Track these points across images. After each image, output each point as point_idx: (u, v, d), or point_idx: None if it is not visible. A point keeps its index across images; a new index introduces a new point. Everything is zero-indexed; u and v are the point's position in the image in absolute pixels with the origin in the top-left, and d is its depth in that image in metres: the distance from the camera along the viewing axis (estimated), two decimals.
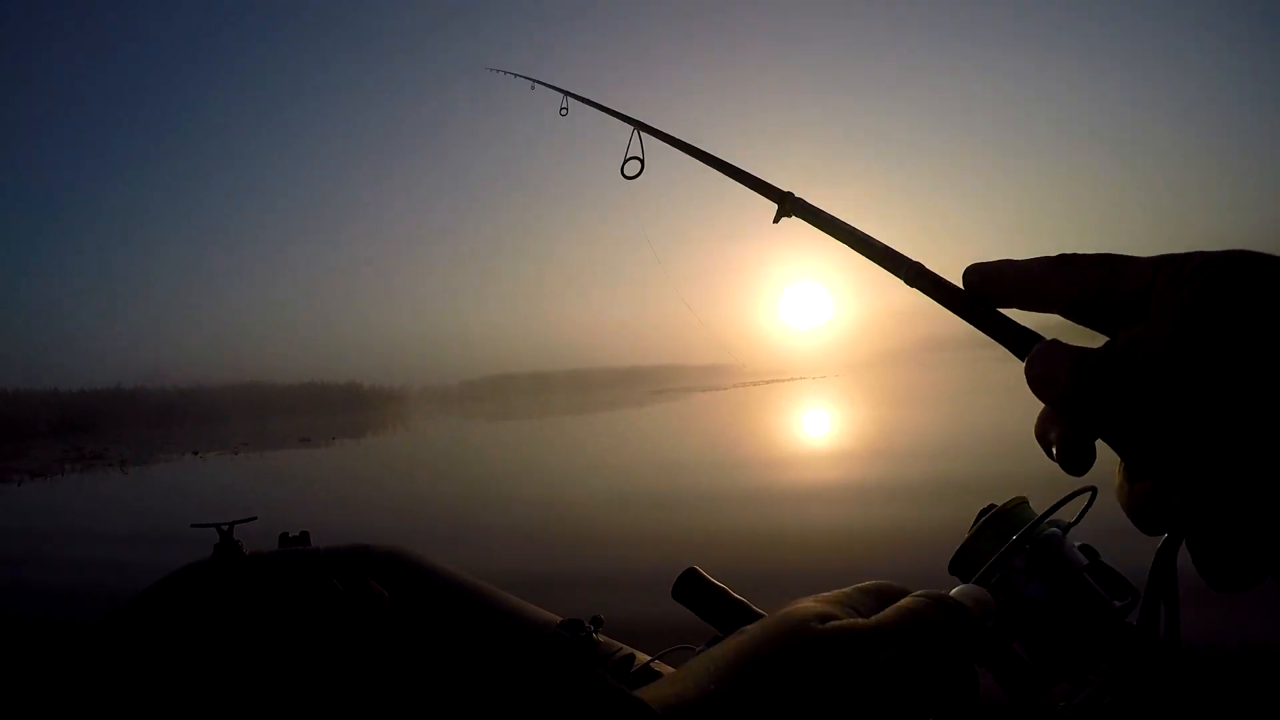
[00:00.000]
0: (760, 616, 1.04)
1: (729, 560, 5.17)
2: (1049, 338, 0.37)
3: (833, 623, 0.38)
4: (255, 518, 2.14)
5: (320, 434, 34.16)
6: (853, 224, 0.52)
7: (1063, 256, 0.37)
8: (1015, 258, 0.39)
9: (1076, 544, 0.47)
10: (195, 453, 25.91)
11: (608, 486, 9.80)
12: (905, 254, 0.46)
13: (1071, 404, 0.34)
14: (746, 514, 7.06)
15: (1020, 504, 0.49)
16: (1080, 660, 0.44)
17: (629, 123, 0.91)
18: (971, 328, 0.41)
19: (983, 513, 0.49)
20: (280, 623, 1.75)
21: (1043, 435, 0.36)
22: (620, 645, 1.42)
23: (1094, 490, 0.48)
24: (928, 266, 0.45)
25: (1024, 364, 0.36)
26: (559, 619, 1.54)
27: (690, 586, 1.12)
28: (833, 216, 0.54)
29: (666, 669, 1.23)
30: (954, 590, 0.44)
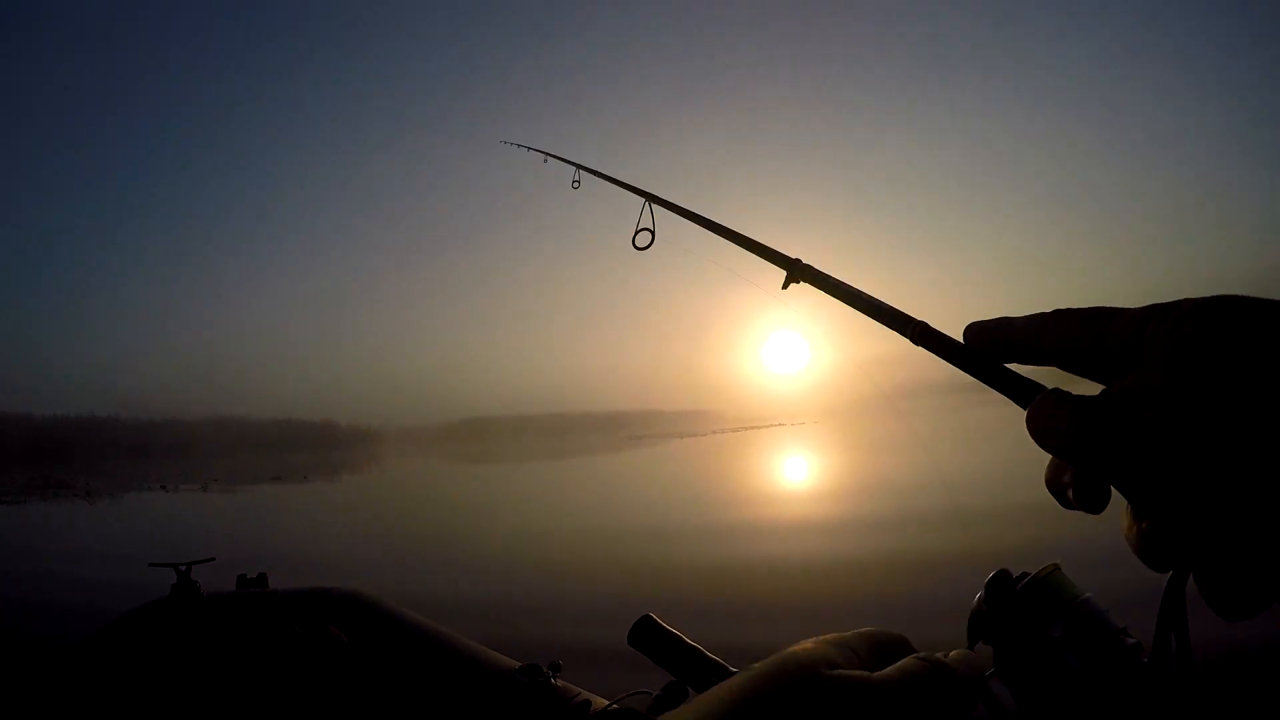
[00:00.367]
0: (713, 663, 1.05)
1: (689, 603, 5.22)
2: (1050, 387, 0.38)
3: (840, 671, 0.38)
4: (214, 558, 2.12)
5: (292, 472, 33.56)
6: (859, 287, 0.53)
7: (1057, 312, 0.39)
8: (1011, 315, 0.41)
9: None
10: (164, 487, 25.35)
11: (574, 533, 9.72)
12: (909, 314, 0.48)
13: (1073, 451, 0.35)
14: (710, 560, 7.07)
15: (1054, 570, 0.46)
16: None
17: (640, 195, 0.92)
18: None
19: (999, 575, 0.47)
20: (237, 665, 1.72)
21: (1054, 482, 0.37)
22: (579, 690, 1.41)
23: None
24: (931, 325, 0.46)
25: (1025, 414, 0.37)
26: (518, 664, 1.53)
27: (645, 633, 1.12)
28: (840, 281, 0.55)
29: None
30: (952, 653, 0.44)
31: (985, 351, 0.42)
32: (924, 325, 0.46)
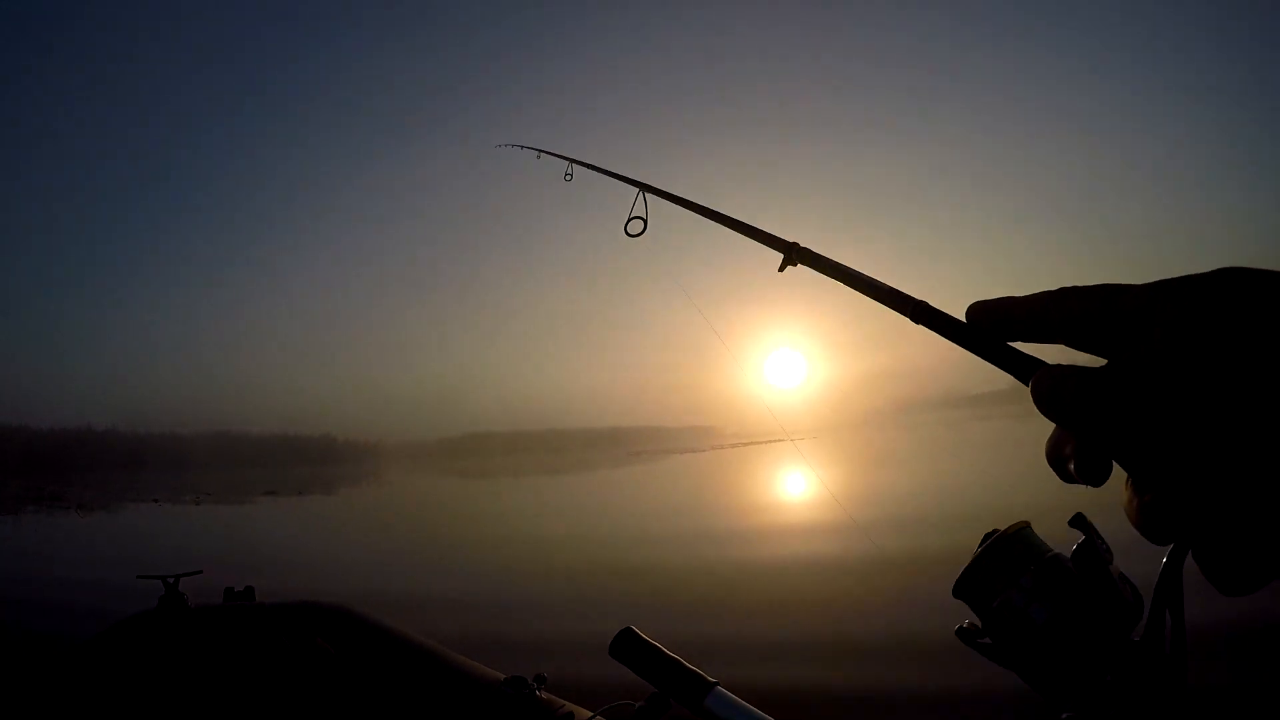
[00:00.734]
0: (693, 674, 1.05)
1: (675, 617, 5.26)
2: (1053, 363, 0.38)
3: None
4: (201, 571, 2.11)
5: (287, 487, 33.45)
6: (857, 268, 0.53)
7: (1063, 290, 0.39)
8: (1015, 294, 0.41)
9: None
10: (156, 500, 25.23)
11: (566, 547, 9.72)
12: (909, 293, 0.47)
13: (1077, 420, 0.35)
14: (702, 574, 7.10)
15: (1023, 527, 0.49)
16: (1084, 686, 0.43)
17: (633, 184, 0.93)
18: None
19: (987, 537, 0.49)
20: (223, 677, 1.71)
21: (1055, 454, 0.37)
22: (564, 702, 1.41)
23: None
24: (931, 304, 0.46)
25: (1029, 385, 0.37)
26: (504, 677, 1.52)
27: (627, 645, 1.12)
28: (837, 262, 0.55)
29: None
30: None
31: (988, 330, 0.42)
32: (923, 304, 0.46)
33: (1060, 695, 0.44)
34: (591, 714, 1.28)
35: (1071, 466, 0.36)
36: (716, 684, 1.03)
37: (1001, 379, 0.41)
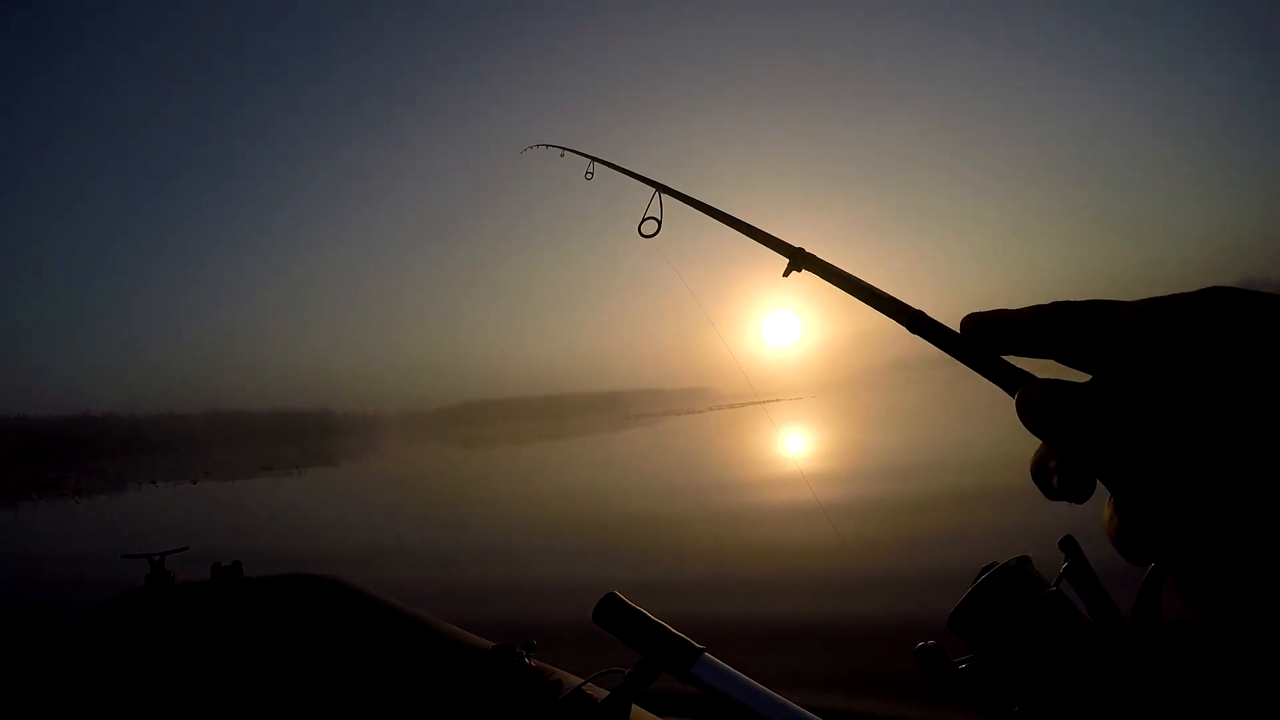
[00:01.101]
0: (678, 639, 1.03)
1: (657, 581, 5.30)
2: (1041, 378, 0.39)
3: None
4: (186, 548, 2.10)
5: (284, 463, 33.61)
6: (858, 275, 0.55)
7: (1055, 304, 0.39)
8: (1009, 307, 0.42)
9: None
10: (153, 482, 25.35)
11: (561, 513, 9.79)
12: (907, 302, 0.49)
13: (1060, 435, 0.35)
14: (695, 537, 7.16)
15: (1023, 561, 0.49)
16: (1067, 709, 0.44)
17: (650, 185, 0.94)
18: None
19: (985, 569, 0.50)
20: (209, 652, 1.71)
21: (1039, 469, 0.37)
22: (553, 669, 1.39)
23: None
24: (928, 314, 0.47)
25: (1015, 399, 0.38)
26: (493, 644, 1.51)
27: (610, 610, 1.10)
28: (841, 269, 0.56)
29: (600, 692, 1.21)
30: None
31: (982, 342, 0.42)
32: (920, 314, 0.47)
33: None
34: (581, 681, 1.26)
35: (1055, 482, 0.36)
36: (704, 650, 1.01)
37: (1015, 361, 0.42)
